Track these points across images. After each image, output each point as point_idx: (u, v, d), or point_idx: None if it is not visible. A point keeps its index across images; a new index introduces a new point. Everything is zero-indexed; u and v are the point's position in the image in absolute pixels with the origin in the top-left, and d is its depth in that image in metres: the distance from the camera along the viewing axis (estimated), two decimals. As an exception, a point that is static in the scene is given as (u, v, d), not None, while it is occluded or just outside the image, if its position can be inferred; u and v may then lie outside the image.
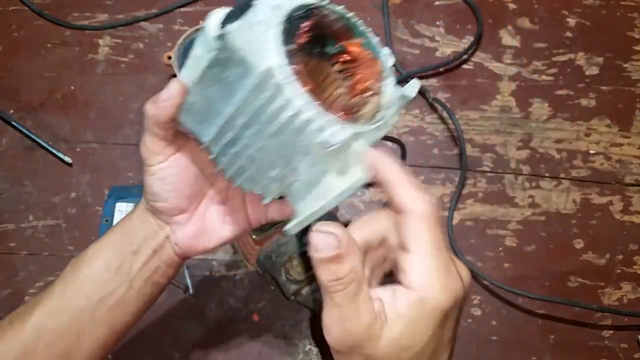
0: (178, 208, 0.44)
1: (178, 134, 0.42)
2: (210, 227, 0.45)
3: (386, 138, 0.69)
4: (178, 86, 0.38)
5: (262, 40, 0.32)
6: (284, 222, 0.53)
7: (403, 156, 0.69)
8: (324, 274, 0.30)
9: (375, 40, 0.36)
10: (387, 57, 0.35)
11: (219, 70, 0.34)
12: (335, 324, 0.30)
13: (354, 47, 0.35)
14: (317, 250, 0.30)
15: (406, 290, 0.30)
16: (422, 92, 0.72)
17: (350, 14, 0.36)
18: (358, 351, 0.30)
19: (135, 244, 0.44)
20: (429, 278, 0.30)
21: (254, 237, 0.53)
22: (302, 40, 0.33)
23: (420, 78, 0.76)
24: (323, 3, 0.34)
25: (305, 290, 0.56)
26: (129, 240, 0.44)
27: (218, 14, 0.34)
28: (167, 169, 0.43)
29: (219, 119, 0.35)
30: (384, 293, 0.31)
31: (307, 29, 0.34)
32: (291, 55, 0.32)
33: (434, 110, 0.70)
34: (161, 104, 0.39)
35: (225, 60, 0.33)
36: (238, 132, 0.34)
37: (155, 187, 0.43)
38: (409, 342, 0.30)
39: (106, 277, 0.43)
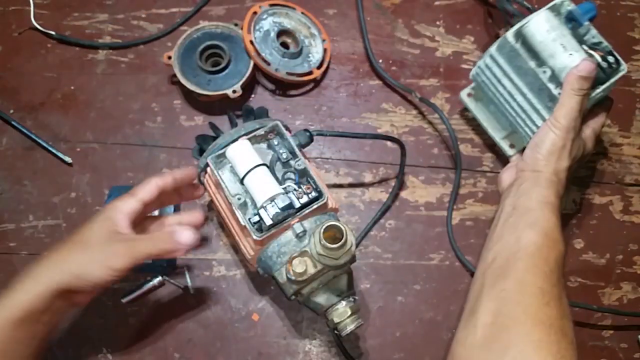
0: None
1: None
2: None
3: (386, 138, 0.69)
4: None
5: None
6: (286, 221, 0.53)
7: (403, 155, 0.69)
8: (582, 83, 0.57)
9: None
10: None
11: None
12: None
13: None
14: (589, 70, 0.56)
15: None
16: (410, 92, 0.72)
17: None
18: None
19: (53, 322, 0.52)
20: None
21: (255, 237, 0.53)
22: None
23: (420, 78, 0.76)
24: None
25: (306, 290, 0.56)
26: (43, 324, 0.51)
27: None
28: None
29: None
30: None
31: None
32: None
33: (434, 110, 0.70)
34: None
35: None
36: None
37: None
38: None
39: (22, 348, 0.50)
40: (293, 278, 0.52)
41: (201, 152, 0.60)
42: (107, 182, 0.69)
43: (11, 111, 0.72)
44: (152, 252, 0.52)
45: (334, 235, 0.52)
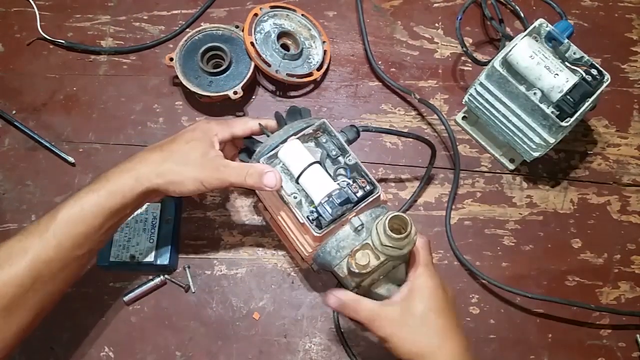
0: None
1: None
2: None
3: (423, 140, 0.70)
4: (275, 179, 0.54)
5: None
6: (344, 216, 0.54)
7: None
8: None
9: None
10: None
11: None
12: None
13: None
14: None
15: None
16: (409, 93, 0.72)
17: None
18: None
19: (130, 210, 0.55)
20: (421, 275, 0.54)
21: (315, 234, 0.53)
22: None
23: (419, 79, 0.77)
24: None
25: (367, 282, 0.57)
26: (126, 209, 0.54)
27: None
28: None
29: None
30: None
31: None
32: None
33: (433, 111, 0.71)
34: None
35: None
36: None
37: (192, 192, 0.55)
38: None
39: (97, 235, 0.53)
40: (356, 271, 0.53)
41: (248, 152, 0.61)
42: (109, 182, 0.70)
43: (14, 112, 0.73)
44: (240, 182, 0.55)
45: (398, 225, 0.53)
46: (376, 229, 0.54)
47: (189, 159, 0.55)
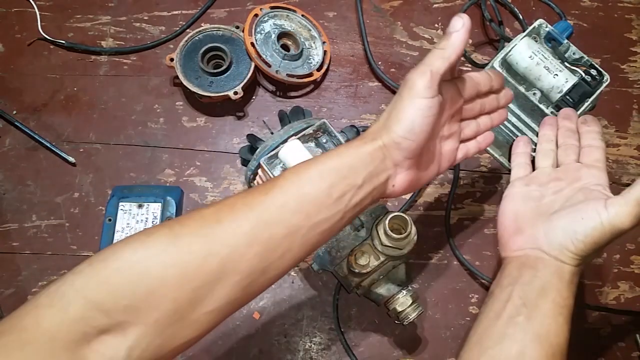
0: (417, 150, 0.45)
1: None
2: (422, 173, 0.48)
3: None
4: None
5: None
6: None
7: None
8: None
9: None
10: None
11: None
12: None
13: None
14: None
15: None
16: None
17: None
18: None
19: (361, 179, 0.44)
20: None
21: None
22: None
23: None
24: None
25: (366, 282, 0.57)
26: (356, 173, 0.44)
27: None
28: (433, 107, 0.44)
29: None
30: None
31: None
32: None
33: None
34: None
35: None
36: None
37: (417, 122, 0.44)
38: None
39: (328, 202, 0.43)
40: (356, 271, 0.53)
41: (251, 150, 0.61)
42: (110, 182, 0.70)
43: (14, 112, 0.73)
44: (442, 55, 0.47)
45: (398, 225, 0.53)
46: (376, 229, 0.54)
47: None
